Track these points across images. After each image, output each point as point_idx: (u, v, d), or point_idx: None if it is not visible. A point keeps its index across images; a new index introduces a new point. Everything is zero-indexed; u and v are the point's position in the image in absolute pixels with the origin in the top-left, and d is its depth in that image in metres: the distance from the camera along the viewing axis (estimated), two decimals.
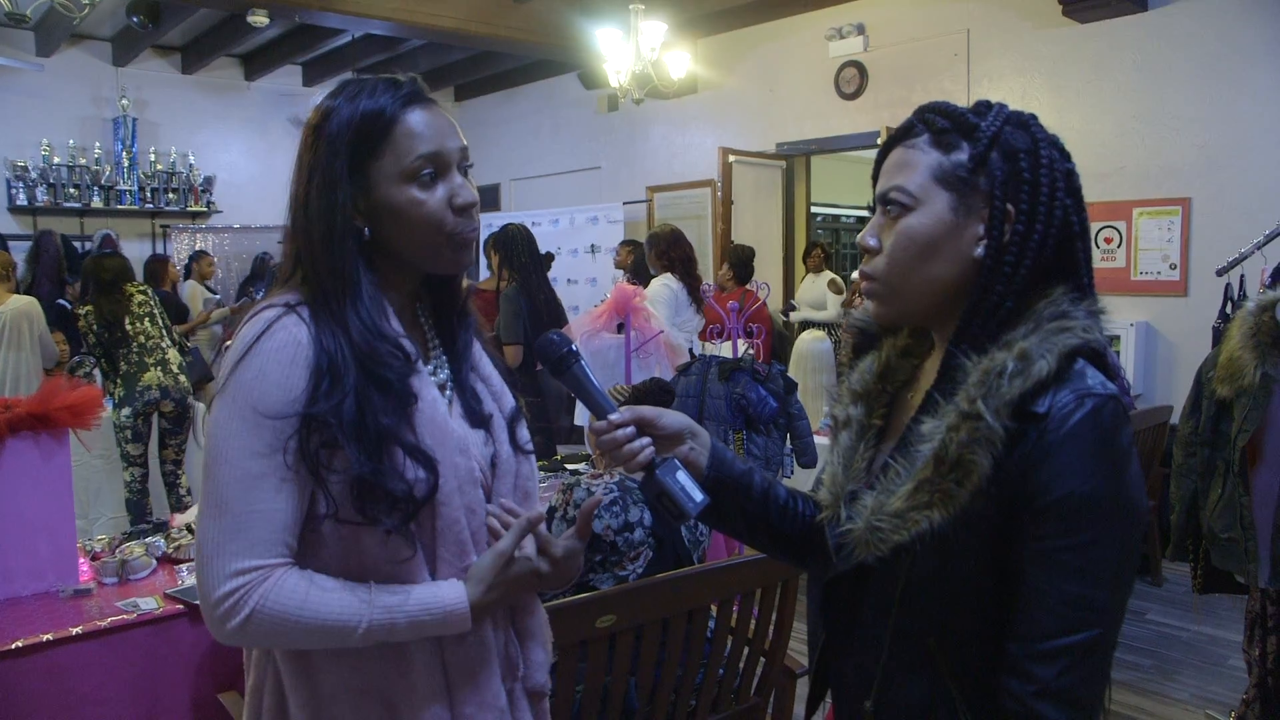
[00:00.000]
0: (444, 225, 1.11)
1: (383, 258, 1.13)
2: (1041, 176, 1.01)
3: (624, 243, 6.90)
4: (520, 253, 4.48)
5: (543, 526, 1.18)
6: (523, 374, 4.38)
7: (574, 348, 1.15)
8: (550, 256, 7.12)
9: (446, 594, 1.07)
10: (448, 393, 1.19)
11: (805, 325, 6.65)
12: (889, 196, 1.05)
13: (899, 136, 1.08)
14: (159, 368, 4.62)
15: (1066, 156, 1.05)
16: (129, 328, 4.59)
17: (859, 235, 1.10)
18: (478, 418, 1.20)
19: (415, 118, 1.11)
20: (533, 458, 1.27)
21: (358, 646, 1.06)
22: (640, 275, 5.59)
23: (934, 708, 1.02)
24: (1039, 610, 0.94)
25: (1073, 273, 1.03)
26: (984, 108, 1.06)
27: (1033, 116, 1.06)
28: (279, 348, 1.04)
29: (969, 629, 1.01)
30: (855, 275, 6.86)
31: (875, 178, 1.11)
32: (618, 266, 6.84)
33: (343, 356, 1.05)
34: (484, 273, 6.11)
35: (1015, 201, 1.01)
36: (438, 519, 1.09)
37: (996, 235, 1.01)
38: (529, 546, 1.15)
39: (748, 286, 5.45)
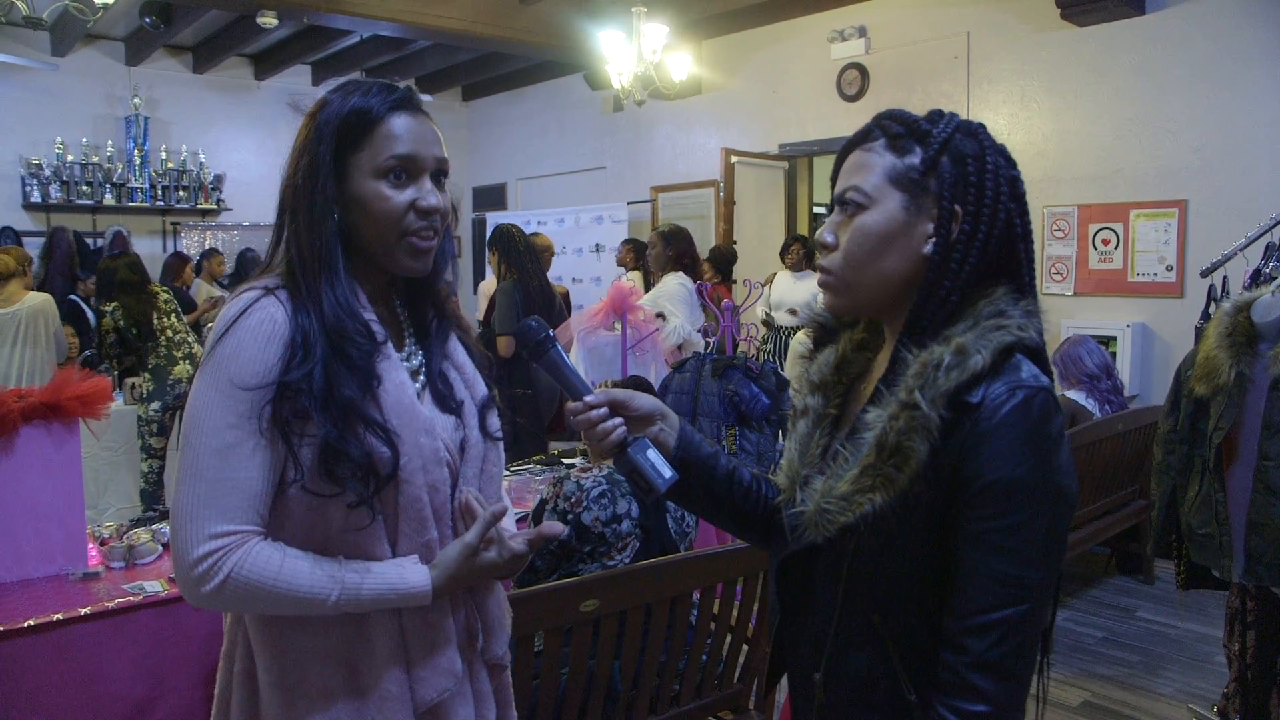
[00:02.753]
0: (402, 224, 1.18)
1: (354, 247, 1.20)
2: (987, 180, 1.08)
3: (625, 242, 6.97)
4: (517, 244, 4.64)
5: (510, 521, 1.25)
6: (515, 365, 4.47)
7: (550, 333, 1.23)
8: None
9: (412, 578, 1.15)
10: (420, 378, 1.26)
11: (780, 328, 6.24)
12: (845, 196, 1.12)
13: (857, 140, 1.15)
14: (188, 360, 4.75)
15: (1012, 164, 1.12)
16: (156, 324, 4.72)
17: (817, 232, 1.18)
18: (449, 404, 1.27)
19: (399, 121, 1.18)
20: (501, 445, 1.33)
21: (325, 615, 1.13)
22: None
23: (878, 679, 1.09)
24: (972, 587, 1.01)
25: (1014, 273, 1.10)
26: (936, 116, 1.13)
27: (981, 125, 1.13)
28: (256, 325, 1.11)
29: (911, 605, 1.08)
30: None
31: (834, 179, 1.18)
32: (619, 264, 6.91)
33: (315, 334, 1.12)
34: (487, 273, 6.23)
35: (962, 203, 1.08)
36: (400, 495, 1.16)
37: (944, 234, 1.08)
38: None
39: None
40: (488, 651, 1.29)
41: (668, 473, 1.16)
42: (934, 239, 1.09)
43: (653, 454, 1.16)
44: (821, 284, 1.17)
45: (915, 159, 1.10)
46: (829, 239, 1.14)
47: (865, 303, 1.15)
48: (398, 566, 1.15)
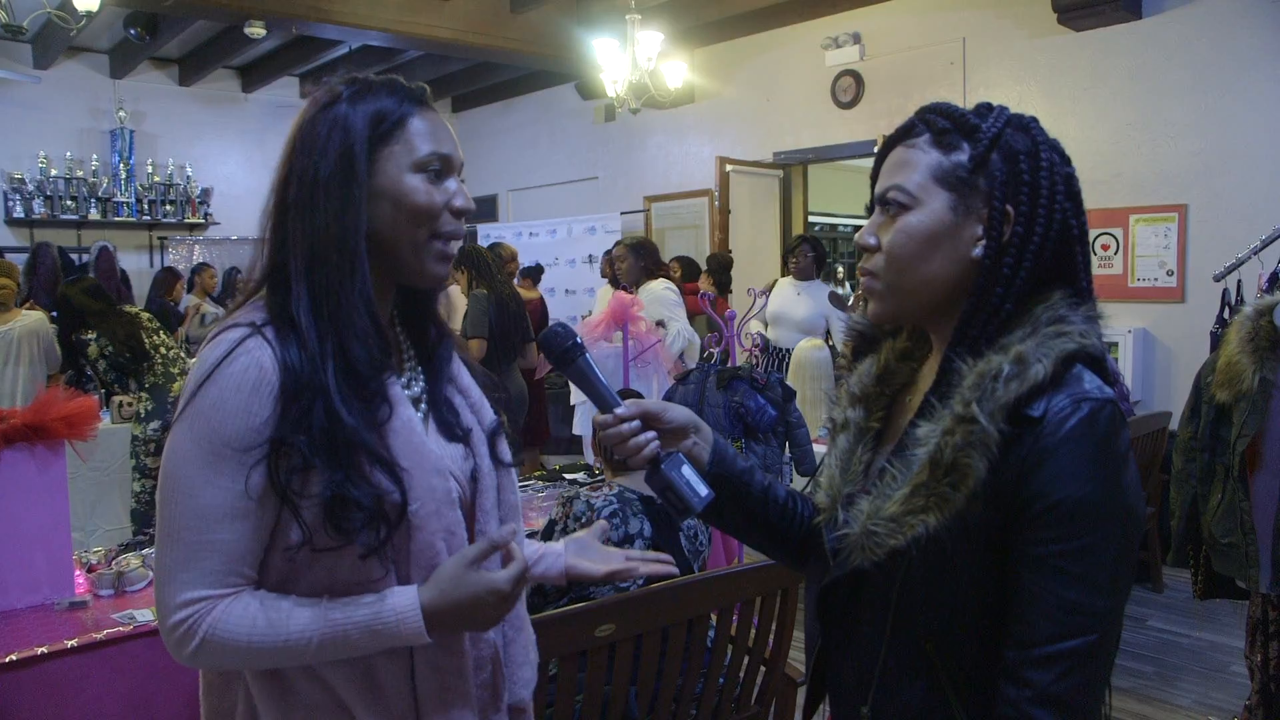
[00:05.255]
0: (438, 221, 1.10)
1: (368, 255, 1.10)
2: (1041, 179, 1.01)
3: (606, 252, 6.88)
4: (485, 259, 4.90)
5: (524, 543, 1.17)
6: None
7: (578, 340, 1.14)
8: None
9: (397, 599, 1.03)
10: (422, 407, 1.17)
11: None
12: (888, 196, 1.05)
13: (900, 136, 1.08)
14: (185, 377, 4.65)
15: (1066, 160, 1.05)
16: (148, 343, 4.63)
17: (857, 234, 1.10)
18: (455, 431, 1.18)
19: (430, 118, 1.12)
20: (513, 472, 1.25)
21: (316, 661, 1.05)
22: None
23: (931, 712, 1.02)
24: (1035, 615, 0.94)
25: (1071, 277, 1.03)
26: (985, 109, 1.05)
27: (1033, 120, 1.05)
28: (240, 373, 1.01)
29: (967, 634, 1.00)
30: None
31: (874, 178, 1.10)
32: (603, 274, 6.89)
33: (313, 365, 1.03)
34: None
35: (1015, 203, 1.01)
36: (412, 542, 1.07)
37: (995, 236, 1.01)
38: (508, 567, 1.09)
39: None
40: (512, 694, 1.21)
41: (704, 490, 1.09)
42: (984, 241, 1.02)
43: (687, 470, 1.09)
44: (865, 289, 1.09)
45: (963, 156, 1.02)
46: (871, 241, 1.07)
47: (911, 309, 1.07)
48: (380, 597, 1.04)
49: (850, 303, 5.80)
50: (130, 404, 4.64)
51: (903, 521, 0.99)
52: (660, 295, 5.00)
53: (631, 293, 4.87)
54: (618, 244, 5.44)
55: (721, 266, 6.21)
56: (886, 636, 1.04)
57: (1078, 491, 0.92)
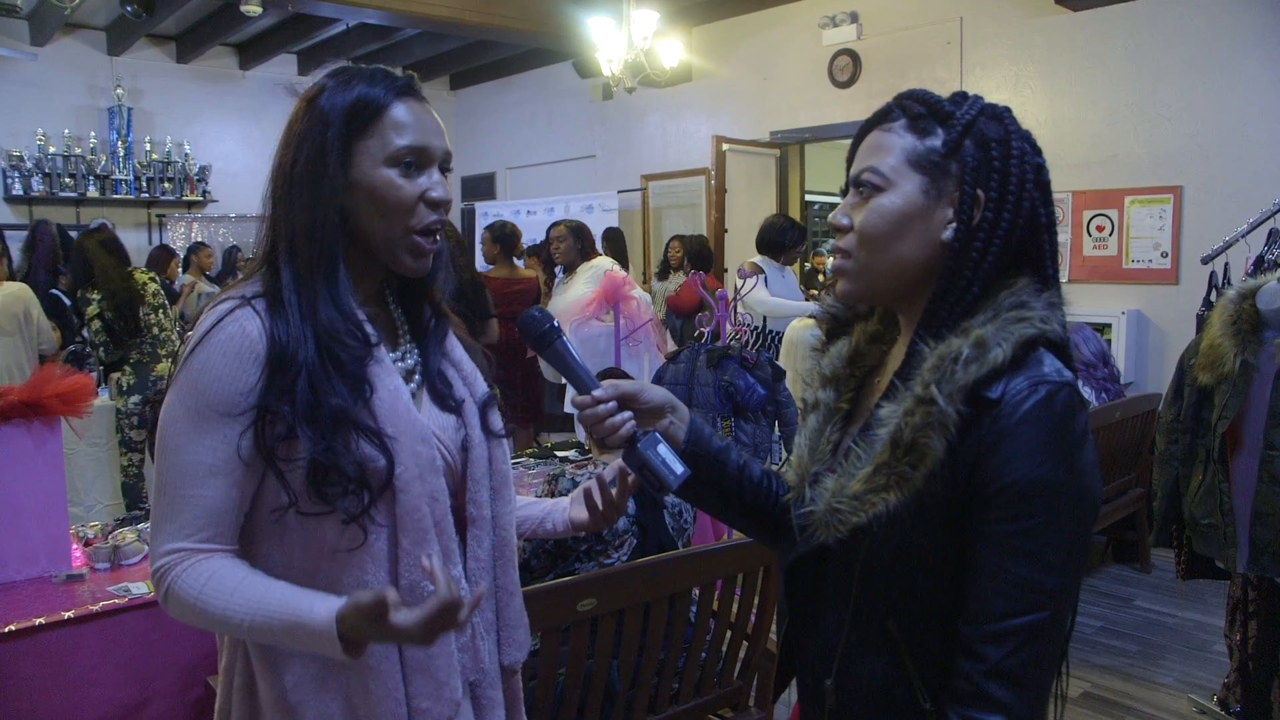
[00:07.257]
0: (413, 215, 1.13)
1: (351, 242, 1.14)
2: (1012, 166, 1.03)
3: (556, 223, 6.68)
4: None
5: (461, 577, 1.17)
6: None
7: (555, 323, 1.17)
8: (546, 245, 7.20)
9: (319, 609, 1.00)
10: (415, 379, 1.20)
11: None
12: (862, 178, 1.07)
13: (876, 120, 1.10)
14: (171, 360, 4.68)
15: (1037, 151, 1.07)
16: (144, 319, 4.66)
17: (831, 214, 1.12)
18: (448, 403, 1.22)
19: (408, 108, 1.13)
20: (504, 443, 1.28)
21: (248, 639, 1.11)
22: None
23: (892, 686, 1.05)
24: (990, 592, 0.97)
25: (1038, 265, 1.06)
26: (960, 98, 1.08)
27: (1007, 109, 1.08)
28: (226, 340, 1.06)
29: (927, 610, 1.03)
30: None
31: (850, 160, 1.13)
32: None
33: (298, 342, 1.07)
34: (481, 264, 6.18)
35: (985, 188, 1.03)
36: (397, 505, 1.10)
37: (965, 219, 1.03)
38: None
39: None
40: (506, 655, 1.25)
41: (679, 468, 1.11)
42: (954, 224, 1.04)
43: (663, 449, 1.11)
44: (836, 268, 1.12)
45: (937, 141, 1.05)
46: (844, 221, 1.09)
47: (880, 289, 1.10)
48: (309, 597, 1.02)
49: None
50: (123, 379, 4.70)
51: (864, 499, 1.01)
52: (605, 265, 5.00)
53: (624, 275, 4.89)
54: (558, 224, 5.30)
55: (693, 252, 6.17)
56: (849, 612, 1.07)
57: (1033, 472, 0.95)
